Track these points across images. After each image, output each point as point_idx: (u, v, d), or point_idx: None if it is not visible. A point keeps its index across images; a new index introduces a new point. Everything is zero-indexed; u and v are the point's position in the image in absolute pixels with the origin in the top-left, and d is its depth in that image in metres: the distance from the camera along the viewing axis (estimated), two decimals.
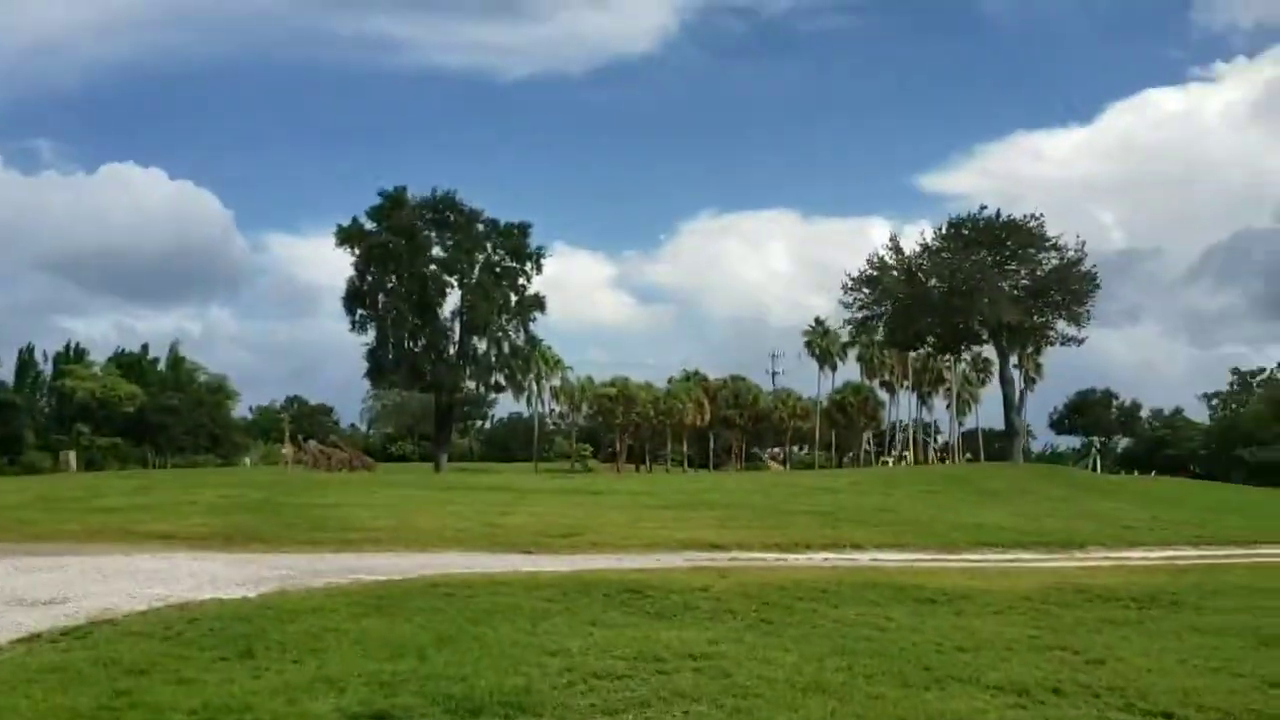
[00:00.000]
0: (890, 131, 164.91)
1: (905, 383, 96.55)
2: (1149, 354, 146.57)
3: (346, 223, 61.11)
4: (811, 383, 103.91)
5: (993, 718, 6.09)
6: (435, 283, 61.18)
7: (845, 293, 51.91)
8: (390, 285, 60.99)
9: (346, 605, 8.78)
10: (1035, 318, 49.88)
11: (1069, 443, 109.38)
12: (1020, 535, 18.21)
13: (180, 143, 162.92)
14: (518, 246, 62.45)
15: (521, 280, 62.82)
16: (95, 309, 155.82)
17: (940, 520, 20.34)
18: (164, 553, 12.81)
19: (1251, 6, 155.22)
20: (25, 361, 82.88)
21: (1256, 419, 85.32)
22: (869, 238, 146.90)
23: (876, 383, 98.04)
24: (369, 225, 60.77)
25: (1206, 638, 8.71)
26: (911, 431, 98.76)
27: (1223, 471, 76.27)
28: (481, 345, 63.31)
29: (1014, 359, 54.12)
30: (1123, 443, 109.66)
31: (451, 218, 61.56)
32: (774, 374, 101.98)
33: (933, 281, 50.03)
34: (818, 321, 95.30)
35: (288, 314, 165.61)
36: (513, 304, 62.94)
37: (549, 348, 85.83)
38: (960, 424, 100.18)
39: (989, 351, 68.38)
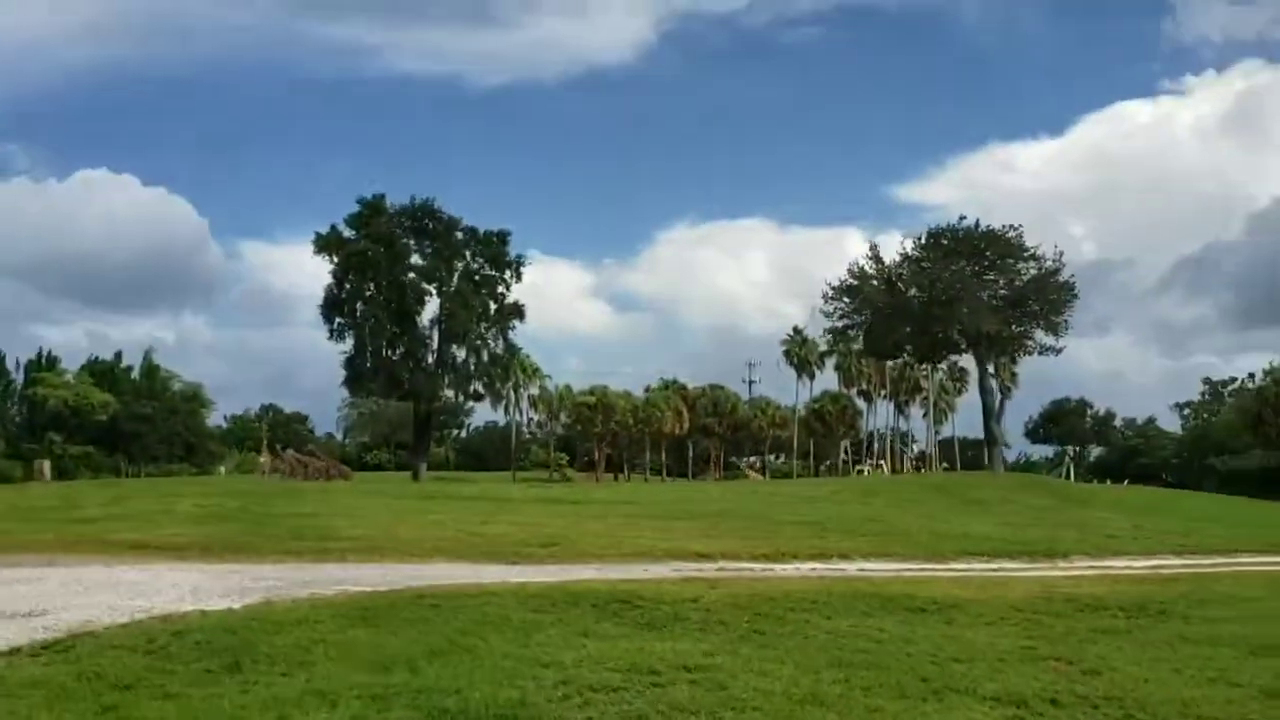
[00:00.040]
0: (866, 142, 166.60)
1: (883, 392, 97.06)
2: (1120, 364, 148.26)
3: (323, 230, 60.75)
4: (787, 391, 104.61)
5: None
6: (414, 291, 60.84)
7: (826, 301, 52.13)
8: (369, 293, 60.58)
9: (333, 617, 8.63)
10: (1014, 327, 50.20)
11: (1043, 452, 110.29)
12: (1004, 544, 18.23)
13: (154, 149, 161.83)
14: (497, 255, 62.24)
15: (501, 288, 62.58)
16: (67, 316, 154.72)
17: (925, 530, 20.35)
18: (143, 563, 12.59)
19: (1221, 20, 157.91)
20: None
21: (1228, 428, 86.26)
22: (845, 247, 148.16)
23: (854, 391, 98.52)
24: (347, 233, 60.36)
25: (1200, 647, 8.71)
26: (889, 441, 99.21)
27: (1194, 480, 77.04)
28: (460, 354, 62.99)
29: (990, 368, 54.37)
30: (1096, 452, 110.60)
31: (430, 226, 61.26)
32: (750, 382, 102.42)
33: (912, 291, 50.25)
34: (796, 330, 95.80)
35: (262, 322, 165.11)
36: (492, 312, 62.66)
37: (528, 356, 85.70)
38: (937, 433, 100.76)
39: (965, 361, 68.96)
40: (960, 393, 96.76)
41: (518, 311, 63.33)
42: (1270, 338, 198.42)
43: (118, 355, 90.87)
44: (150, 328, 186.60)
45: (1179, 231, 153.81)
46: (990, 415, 52.29)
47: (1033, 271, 49.49)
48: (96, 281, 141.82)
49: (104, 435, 78.72)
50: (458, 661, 7.14)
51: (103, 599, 9.50)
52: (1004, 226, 49.98)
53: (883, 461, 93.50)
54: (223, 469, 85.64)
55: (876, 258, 51.27)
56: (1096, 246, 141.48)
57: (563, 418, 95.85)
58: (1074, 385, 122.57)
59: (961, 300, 48.06)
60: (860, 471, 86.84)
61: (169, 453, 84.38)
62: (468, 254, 62.26)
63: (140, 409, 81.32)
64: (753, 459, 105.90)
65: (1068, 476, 73.92)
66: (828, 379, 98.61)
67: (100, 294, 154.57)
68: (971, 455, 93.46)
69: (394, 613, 8.89)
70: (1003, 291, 49.86)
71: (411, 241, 61.46)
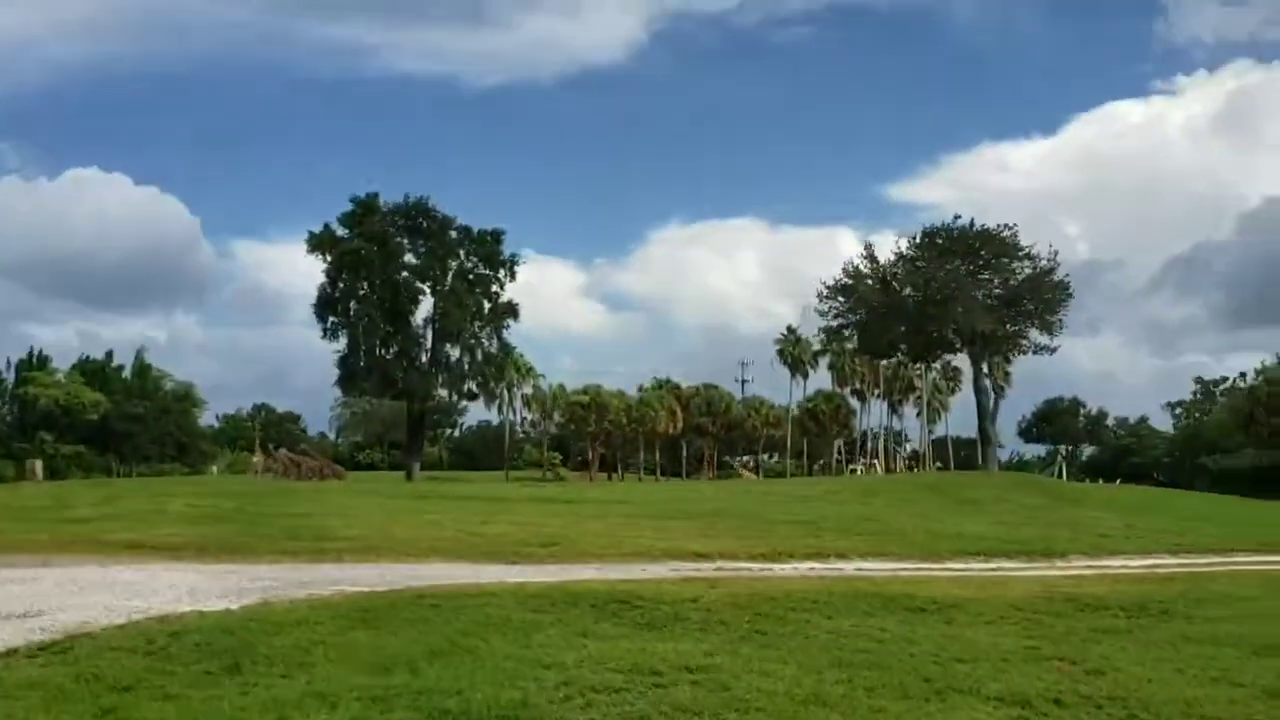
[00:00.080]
0: (857, 141, 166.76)
1: (876, 391, 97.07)
2: (1111, 364, 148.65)
3: (316, 229, 60.62)
4: (779, 390, 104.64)
5: None
6: (408, 289, 60.74)
7: (820, 300, 52.14)
8: (362, 292, 60.44)
9: (332, 617, 8.57)
10: (1009, 326, 50.27)
11: (1035, 451, 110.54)
12: (1001, 544, 18.23)
13: (146, 148, 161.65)
14: (491, 253, 62.14)
15: (495, 287, 62.49)
16: (58, 316, 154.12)
17: (921, 529, 20.34)
18: (138, 564, 12.50)
19: (1213, 21, 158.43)
20: None
21: (1220, 427, 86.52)
22: (837, 247, 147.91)
23: (848, 391, 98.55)
24: (341, 231, 60.23)
25: (1201, 647, 8.71)
26: (883, 440, 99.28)
27: (1186, 480, 77.28)
28: (454, 353, 62.92)
29: (984, 368, 54.44)
30: (1088, 451, 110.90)
31: (424, 224, 61.13)
32: (743, 382, 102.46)
33: (907, 290, 50.29)
34: (790, 330, 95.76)
35: (254, 321, 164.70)
36: (486, 311, 62.59)
37: (521, 356, 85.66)
38: (930, 432, 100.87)
39: (958, 360, 69.00)
40: (954, 392, 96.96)
41: (512, 310, 63.30)
42: (1261, 337, 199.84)
43: (109, 355, 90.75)
44: (142, 327, 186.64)
45: (1170, 231, 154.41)
46: (985, 415, 52.35)
47: (1027, 271, 49.58)
48: (88, 280, 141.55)
49: (95, 435, 78.50)
50: (459, 662, 7.09)
51: (99, 599, 9.43)
52: (999, 226, 50.13)
53: (876, 461, 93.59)
54: (215, 469, 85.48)
55: (871, 257, 51.34)
56: (1088, 246, 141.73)
57: (556, 417, 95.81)
58: (1066, 385, 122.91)
59: (956, 299, 48.12)
60: (853, 471, 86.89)
61: (161, 452, 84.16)
62: (461, 253, 62.17)
63: (132, 408, 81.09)
64: (746, 458, 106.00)
65: (1060, 476, 74.06)
66: (821, 378, 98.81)
67: (91, 293, 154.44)
68: (965, 455, 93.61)
69: (394, 613, 8.84)
70: (998, 291, 49.92)
71: (405, 240, 61.34)
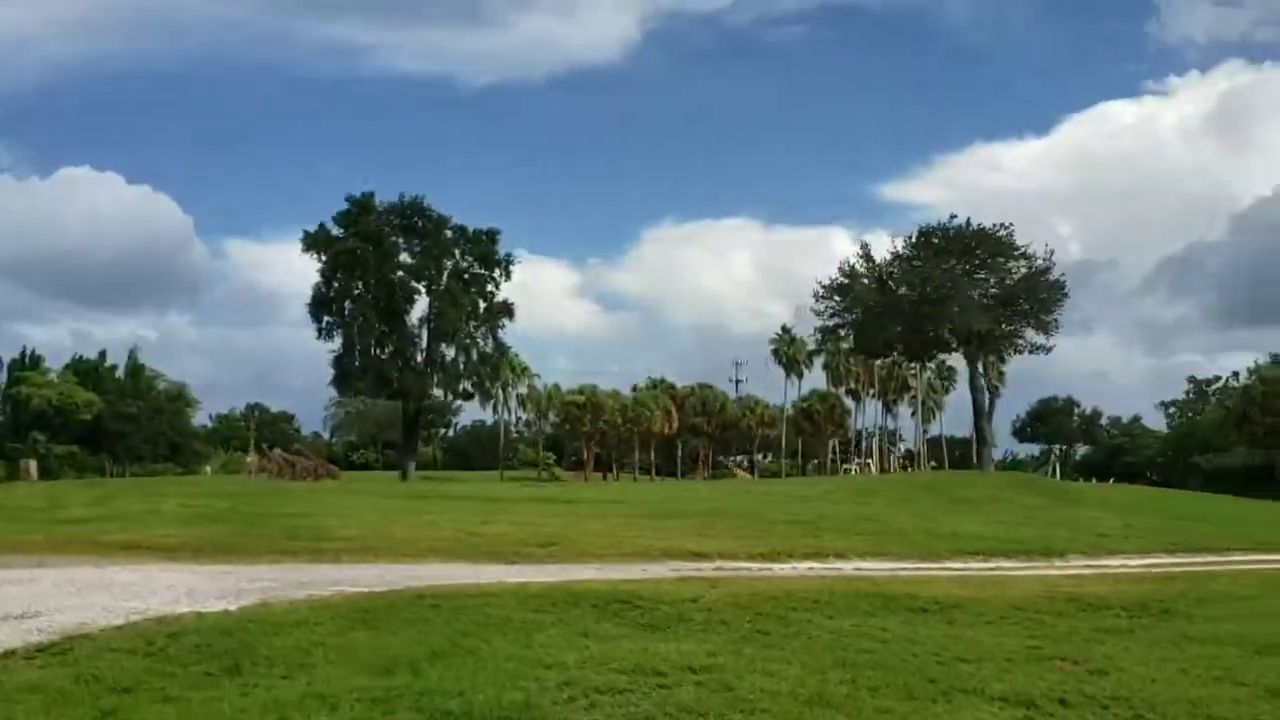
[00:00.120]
0: (851, 141, 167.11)
1: (871, 390, 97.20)
2: (1104, 363, 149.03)
3: (310, 228, 60.54)
4: (773, 390, 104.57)
5: None
6: (403, 289, 60.63)
7: (816, 300, 52.16)
8: (357, 292, 60.34)
9: (332, 618, 8.52)
10: (1004, 326, 50.33)
11: (1029, 450, 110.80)
12: (999, 543, 18.23)
13: (138, 147, 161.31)
14: (486, 253, 62.06)
15: (490, 287, 62.44)
16: (51, 315, 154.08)
17: (919, 529, 20.33)
18: (135, 564, 12.42)
19: (1205, 22, 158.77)
20: None
21: (1213, 427, 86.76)
22: (830, 246, 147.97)
23: (842, 390, 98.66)
24: (336, 231, 60.11)
25: (1204, 646, 8.70)
26: (877, 439, 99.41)
27: (1179, 479, 77.57)
28: (450, 352, 62.79)
29: (979, 367, 54.49)
30: (1082, 450, 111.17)
31: (419, 224, 61.01)
32: (737, 381, 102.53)
33: (903, 289, 50.33)
34: (784, 329, 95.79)
35: (248, 321, 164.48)
36: (481, 311, 62.50)
37: (516, 355, 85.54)
38: (925, 431, 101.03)
39: (953, 360, 69.09)
40: (948, 391, 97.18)
41: (507, 310, 63.23)
42: (1253, 337, 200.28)
43: (102, 354, 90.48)
44: (135, 326, 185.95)
45: (1162, 231, 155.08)
46: (981, 414, 52.40)
47: (1023, 270, 49.65)
48: (80, 280, 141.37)
49: (89, 435, 78.27)
50: (460, 663, 7.04)
51: (97, 600, 9.36)
52: (995, 225, 50.23)
53: (870, 460, 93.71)
54: (208, 469, 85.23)
55: (867, 256, 51.40)
56: (1081, 247, 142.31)
57: (551, 417, 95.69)
58: (1060, 384, 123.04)
59: (952, 299, 48.17)
60: (848, 470, 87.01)
61: (154, 452, 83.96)
62: (457, 252, 62.07)
63: (125, 408, 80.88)
64: (741, 458, 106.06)
65: (1054, 475, 74.20)
66: (816, 378, 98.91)
67: (84, 293, 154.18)
68: (959, 454, 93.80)
69: (394, 614, 8.78)
70: (993, 290, 50.01)
71: (400, 240, 61.24)
